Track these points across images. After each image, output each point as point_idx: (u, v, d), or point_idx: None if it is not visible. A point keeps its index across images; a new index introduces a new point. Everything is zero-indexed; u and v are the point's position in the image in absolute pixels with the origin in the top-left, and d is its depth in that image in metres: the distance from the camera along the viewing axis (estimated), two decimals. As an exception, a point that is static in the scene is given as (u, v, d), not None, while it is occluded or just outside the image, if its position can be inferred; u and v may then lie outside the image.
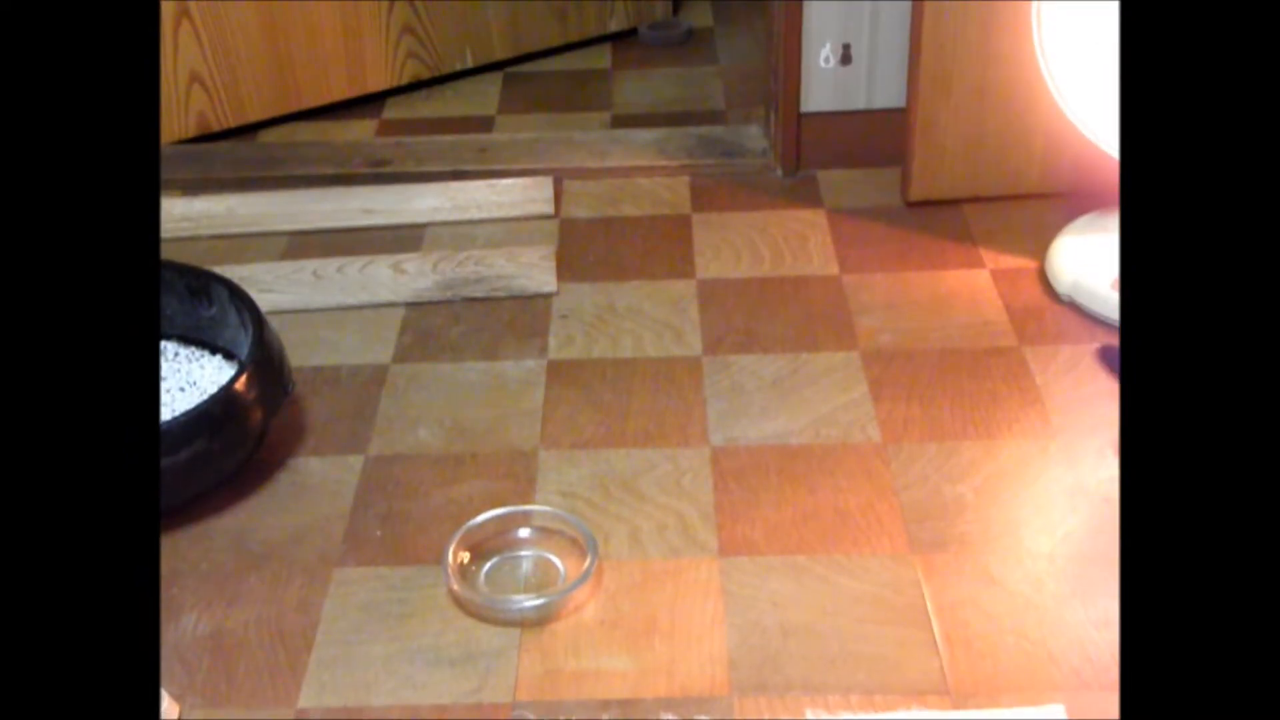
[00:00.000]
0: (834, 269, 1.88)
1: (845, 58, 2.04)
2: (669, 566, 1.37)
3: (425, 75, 2.50)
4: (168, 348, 1.65)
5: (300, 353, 1.70)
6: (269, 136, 2.36)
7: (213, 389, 1.51)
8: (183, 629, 1.32)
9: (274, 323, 1.58)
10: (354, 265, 1.92)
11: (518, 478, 1.50)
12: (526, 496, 1.47)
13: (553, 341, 1.74)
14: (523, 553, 1.40)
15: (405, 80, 2.48)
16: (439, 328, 1.79)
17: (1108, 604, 1.29)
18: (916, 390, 1.62)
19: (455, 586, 1.33)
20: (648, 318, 1.79)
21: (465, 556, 1.38)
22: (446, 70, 2.52)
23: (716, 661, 1.25)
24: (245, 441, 1.47)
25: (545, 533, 1.42)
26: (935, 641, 1.26)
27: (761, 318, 1.78)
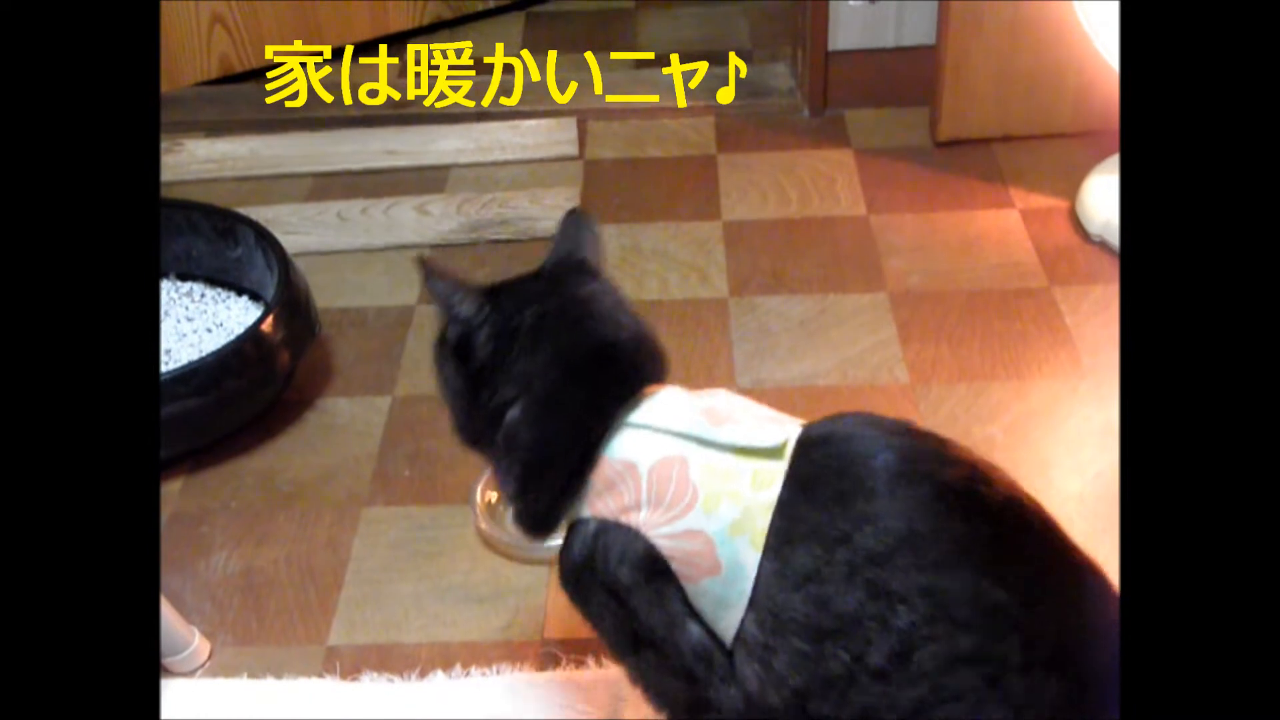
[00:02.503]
0: (862, 210, 1.86)
1: (874, -6, 2.01)
2: (696, 506, 1.36)
3: (447, 16, 2.47)
4: (194, 289, 1.65)
5: (326, 294, 1.69)
6: (291, 78, 2.34)
7: (240, 330, 1.51)
8: (213, 567, 1.33)
9: (299, 264, 1.58)
10: (378, 207, 1.91)
11: (544, 418, 1.49)
12: (553, 437, 1.46)
13: (578, 283, 1.73)
14: (550, 492, 1.40)
15: (427, 21, 2.45)
16: (464, 270, 1.78)
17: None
18: (945, 331, 1.60)
19: (483, 525, 1.33)
20: (673, 259, 1.78)
21: (493, 496, 1.38)
22: (468, 10, 2.49)
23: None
24: (273, 382, 1.48)
25: (573, 473, 1.41)
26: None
27: (788, 259, 1.76)
